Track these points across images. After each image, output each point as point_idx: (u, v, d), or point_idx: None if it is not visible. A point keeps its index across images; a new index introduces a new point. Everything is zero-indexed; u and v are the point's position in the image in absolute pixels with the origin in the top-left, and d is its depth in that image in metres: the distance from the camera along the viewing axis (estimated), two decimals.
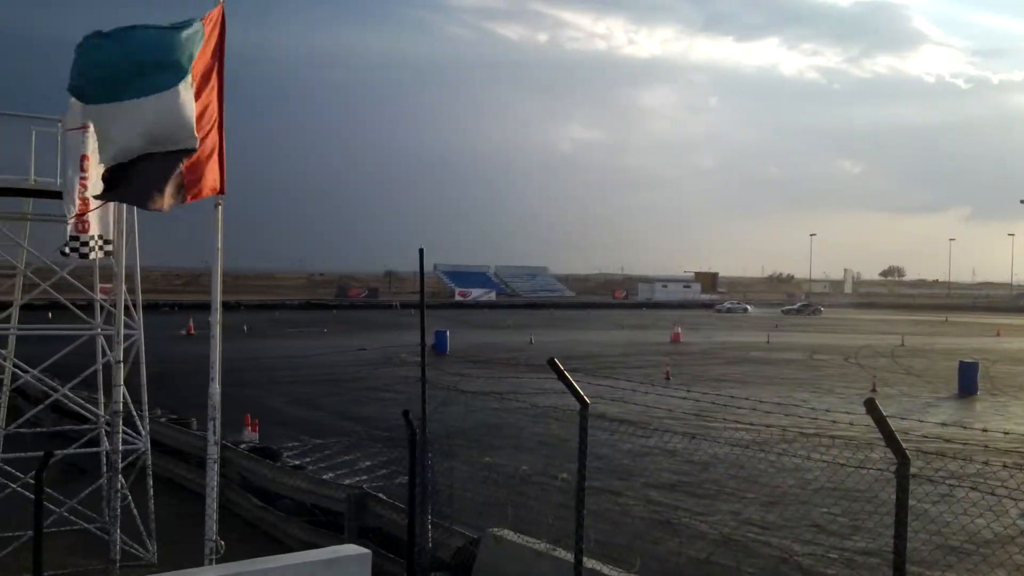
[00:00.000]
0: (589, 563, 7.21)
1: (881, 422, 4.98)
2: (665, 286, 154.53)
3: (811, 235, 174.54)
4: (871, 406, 4.99)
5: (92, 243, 10.70)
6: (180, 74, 7.16)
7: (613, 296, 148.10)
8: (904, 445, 5.10)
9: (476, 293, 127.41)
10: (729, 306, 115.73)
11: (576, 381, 6.80)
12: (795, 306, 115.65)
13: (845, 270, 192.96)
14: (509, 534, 8.26)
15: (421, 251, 9.89)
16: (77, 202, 10.01)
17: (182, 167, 7.45)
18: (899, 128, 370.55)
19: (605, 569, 7.41)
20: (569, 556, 7.44)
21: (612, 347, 48.93)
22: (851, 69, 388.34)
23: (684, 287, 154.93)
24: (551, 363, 6.71)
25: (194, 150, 7.39)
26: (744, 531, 12.72)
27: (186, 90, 7.27)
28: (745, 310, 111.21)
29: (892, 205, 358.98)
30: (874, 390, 29.05)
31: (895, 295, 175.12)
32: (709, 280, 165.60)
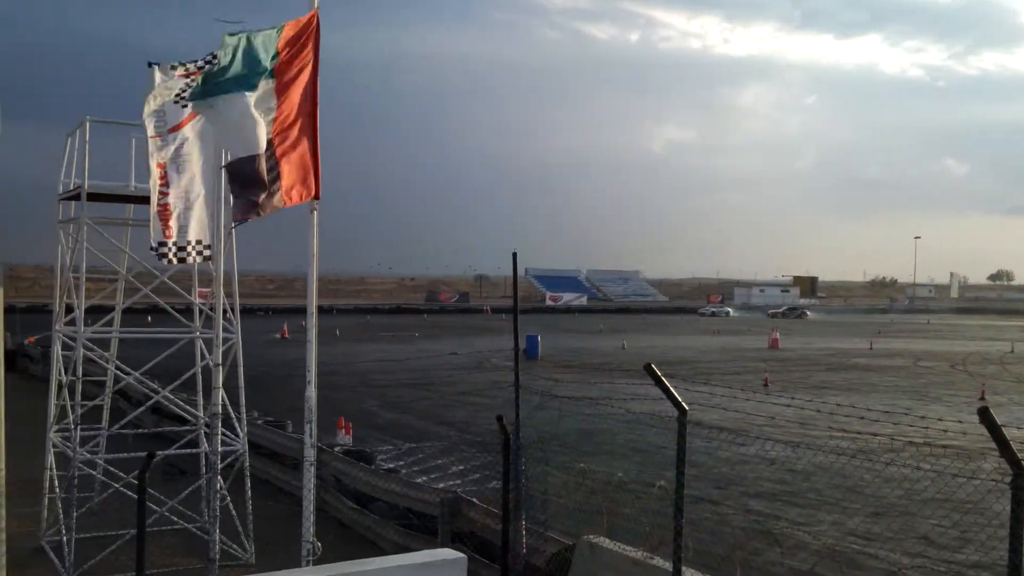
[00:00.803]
0: (687, 572, 6.97)
1: (995, 431, 4.73)
2: (762, 291, 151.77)
3: (915, 238, 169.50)
4: (984, 414, 4.76)
5: (190, 248, 10.86)
6: (250, 82, 7.24)
7: (708, 301, 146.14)
8: (1021, 455, 4.78)
9: (567, 297, 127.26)
10: (713, 310, 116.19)
11: (672, 387, 6.58)
12: (780, 309, 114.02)
13: (951, 274, 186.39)
14: (605, 541, 8.06)
15: (514, 255, 9.77)
16: (157, 209, 10.19)
17: (275, 174, 7.52)
18: (1008, 126, 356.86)
19: None
20: (666, 565, 7.21)
21: (707, 353, 48.14)
22: (956, 66, 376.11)
23: (782, 292, 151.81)
24: (648, 369, 6.49)
25: (271, 156, 7.46)
26: (848, 543, 12.24)
27: (258, 96, 7.34)
28: (727, 313, 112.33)
29: (1000, 206, 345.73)
30: (983, 398, 27.83)
31: (1003, 300, 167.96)
32: (808, 284, 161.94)
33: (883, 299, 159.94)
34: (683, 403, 6.54)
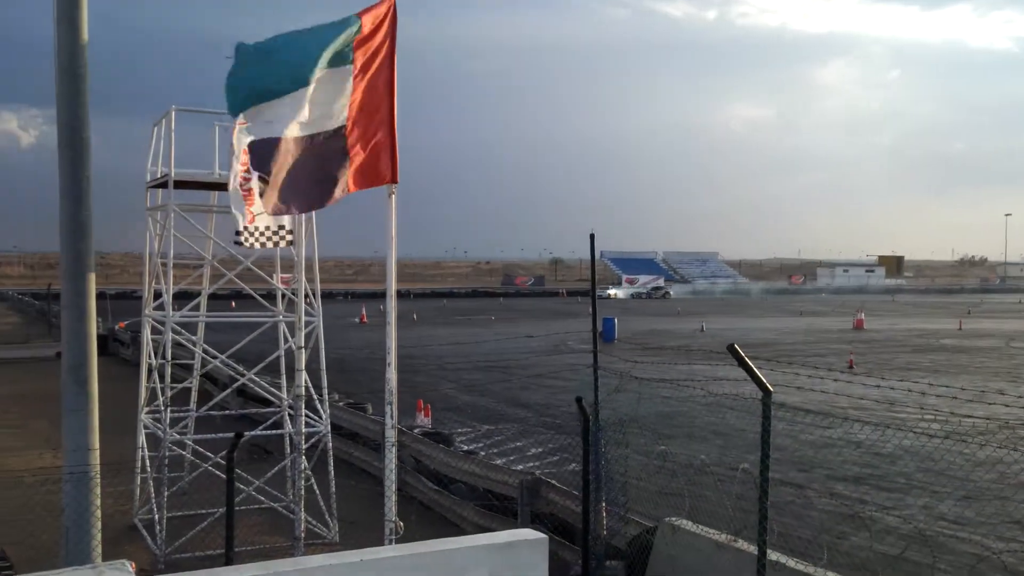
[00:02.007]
0: (772, 555, 6.86)
1: None
2: (846, 271, 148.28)
3: (1006, 215, 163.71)
4: None
5: (268, 233, 11.04)
6: (318, 66, 7.29)
7: (790, 281, 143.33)
8: None
9: (643, 280, 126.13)
10: (608, 291, 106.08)
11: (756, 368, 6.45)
12: (645, 289, 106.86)
13: None
14: (687, 524, 7.98)
15: (592, 236, 9.70)
16: (241, 195, 10.34)
17: (343, 158, 7.58)
18: None
19: (790, 562, 7.03)
20: (750, 548, 7.10)
21: (790, 334, 47.26)
22: None
23: (867, 272, 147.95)
24: (731, 349, 6.37)
25: (347, 139, 7.52)
26: (938, 527, 11.91)
27: (327, 81, 7.40)
28: (609, 296, 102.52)
29: None
30: None
31: None
32: (894, 264, 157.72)
33: (972, 278, 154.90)
34: (767, 384, 6.41)
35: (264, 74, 7.20)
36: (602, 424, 8.88)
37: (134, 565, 5.74)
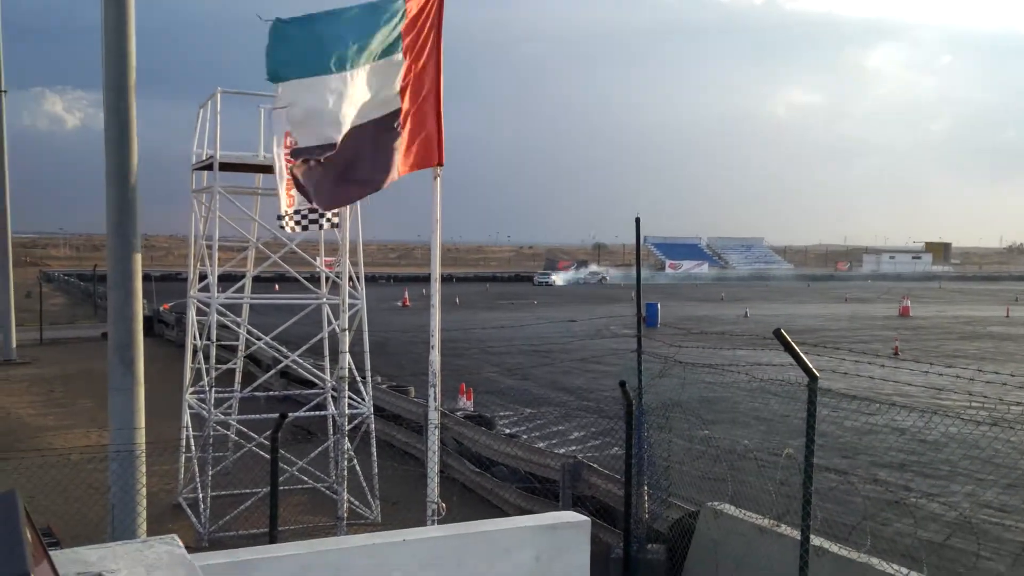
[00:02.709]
0: (815, 540, 6.80)
1: None
2: (892, 257, 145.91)
3: None
4: None
5: (310, 216, 11.08)
6: (366, 53, 7.26)
7: (836, 268, 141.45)
8: None
9: (687, 265, 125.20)
10: (542, 279, 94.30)
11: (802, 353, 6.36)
12: (582, 276, 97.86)
13: None
14: (729, 508, 7.92)
15: (637, 220, 9.62)
16: (286, 177, 10.36)
17: (395, 142, 7.59)
18: None
19: (833, 548, 6.95)
20: (793, 533, 7.04)
21: (835, 320, 46.66)
22: None
23: (913, 259, 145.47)
24: (777, 334, 6.28)
25: (397, 123, 7.51)
26: (983, 514, 11.70)
27: (379, 70, 7.38)
28: (550, 283, 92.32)
29: None
30: None
31: None
32: (940, 251, 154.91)
33: (1020, 265, 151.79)
34: (814, 369, 6.32)
35: (305, 50, 7.17)
36: (645, 408, 8.83)
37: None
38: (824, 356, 7.96)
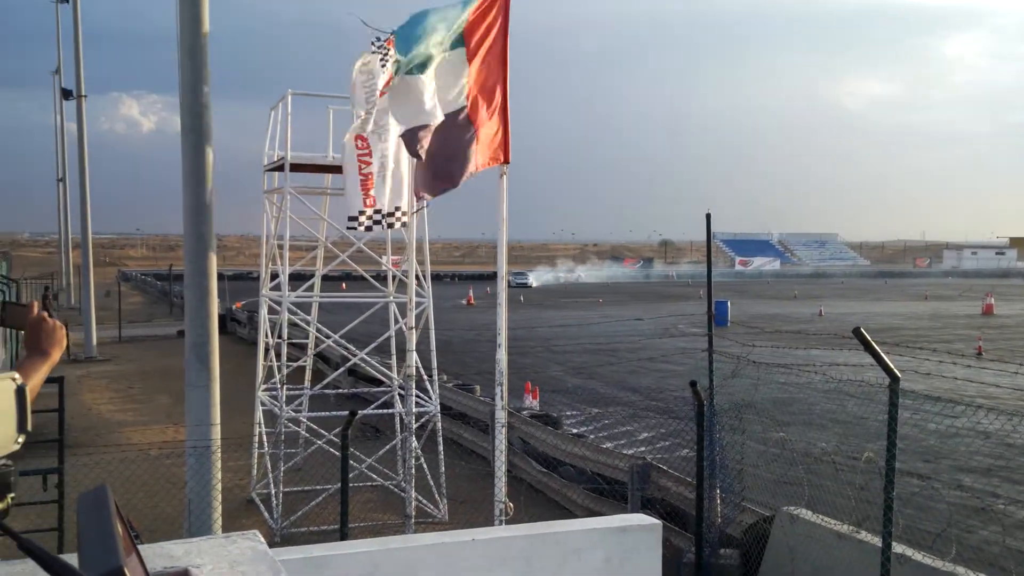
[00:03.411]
0: (897, 548, 6.57)
1: None
2: (974, 253, 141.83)
3: None
4: None
5: (387, 216, 11.14)
6: (437, 50, 7.34)
7: (914, 264, 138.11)
8: None
9: (758, 262, 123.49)
10: (517, 280, 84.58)
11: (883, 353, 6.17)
12: (525, 279, 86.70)
13: None
14: (806, 513, 7.72)
15: (708, 216, 9.46)
16: (358, 179, 10.42)
17: (467, 138, 7.62)
18: None
19: (916, 555, 6.72)
20: (873, 540, 6.84)
21: (914, 319, 45.50)
22: None
23: (996, 254, 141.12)
24: (857, 333, 6.10)
25: (464, 122, 7.55)
26: None
27: (446, 65, 7.45)
28: (527, 284, 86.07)
29: None
30: None
31: None
32: None
33: None
34: (895, 370, 6.12)
35: (407, 54, 7.40)
36: (717, 409, 8.68)
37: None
38: (905, 356, 7.73)
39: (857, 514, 7.41)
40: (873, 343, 6.04)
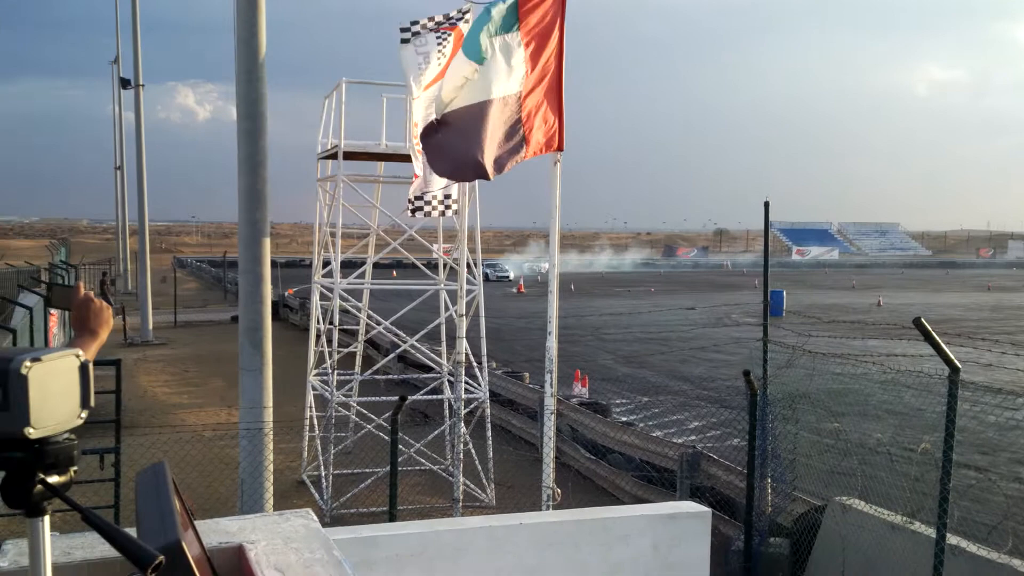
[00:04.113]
0: (951, 539, 6.47)
1: None
2: None
3: None
4: None
5: (435, 203, 11.19)
6: (491, 33, 7.38)
7: (977, 255, 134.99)
8: None
9: (815, 251, 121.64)
10: (496, 273, 71.18)
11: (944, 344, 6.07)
12: (506, 273, 73.37)
13: None
14: (858, 504, 7.63)
15: (766, 204, 9.36)
16: (421, 166, 10.45)
17: (516, 124, 7.61)
18: None
19: (971, 547, 6.60)
20: (927, 531, 6.74)
21: (976, 310, 44.53)
22: None
23: None
24: (917, 323, 6.00)
25: (518, 107, 7.56)
26: None
27: (502, 47, 7.47)
28: (508, 277, 71.97)
29: None
30: None
31: None
32: None
33: None
34: (955, 361, 6.02)
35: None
36: (770, 399, 8.60)
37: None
38: (965, 347, 7.57)
39: (911, 505, 7.30)
40: (934, 333, 5.95)
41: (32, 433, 1.42)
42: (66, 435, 1.50)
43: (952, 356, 6.03)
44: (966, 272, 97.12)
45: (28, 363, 1.42)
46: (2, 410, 1.40)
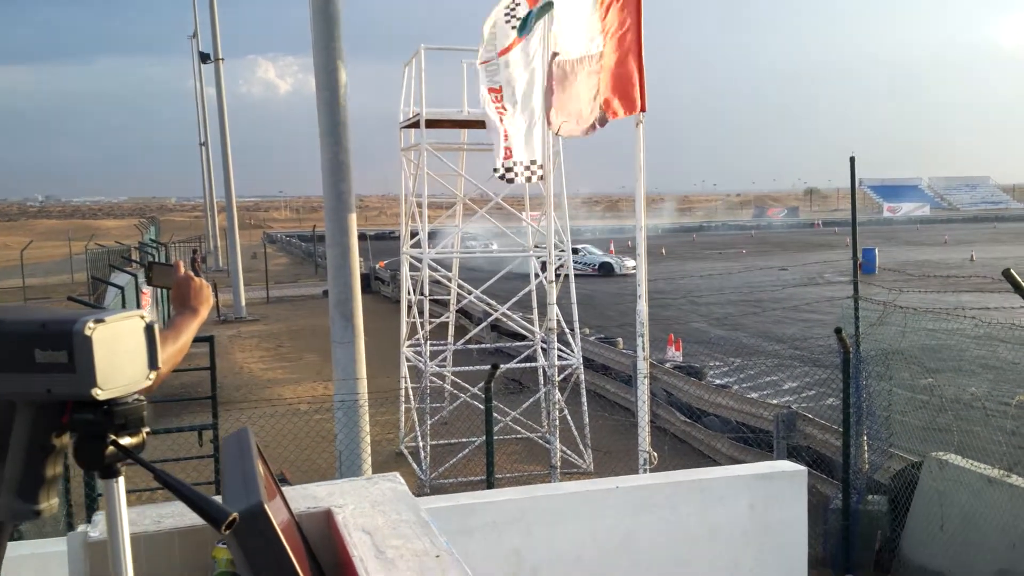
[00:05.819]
0: None
1: None
2: None
3: None
4: None
5: (518, 168, 11.13)
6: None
7: None
8: None
9: (906, 208, 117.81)
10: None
11: None
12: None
13: None
14: (955, 458, 7.46)
15: (852, 159, 9.08)
16: (501, 131, 10.40)
17: (597, 85, 7.53)
18: None
19: None
20: None
21: None
22: None
23: None
24: (1007, 274, 5.78)
25: (597, 70, 7.49)
26: None
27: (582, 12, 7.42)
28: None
29: None
30: None
31: None
32: None
33: None
34: None
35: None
36: (863, 357, 8.40)
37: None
38: None
39: (1008, 459, 7.10)
40: (1023, 284, 5.71)
41: (100, 394, 1.41)
42: (135, 396, 1.51)
43: None
44: None
45: (92, 324, 1.40)
46: (69, 372, 1.40)
